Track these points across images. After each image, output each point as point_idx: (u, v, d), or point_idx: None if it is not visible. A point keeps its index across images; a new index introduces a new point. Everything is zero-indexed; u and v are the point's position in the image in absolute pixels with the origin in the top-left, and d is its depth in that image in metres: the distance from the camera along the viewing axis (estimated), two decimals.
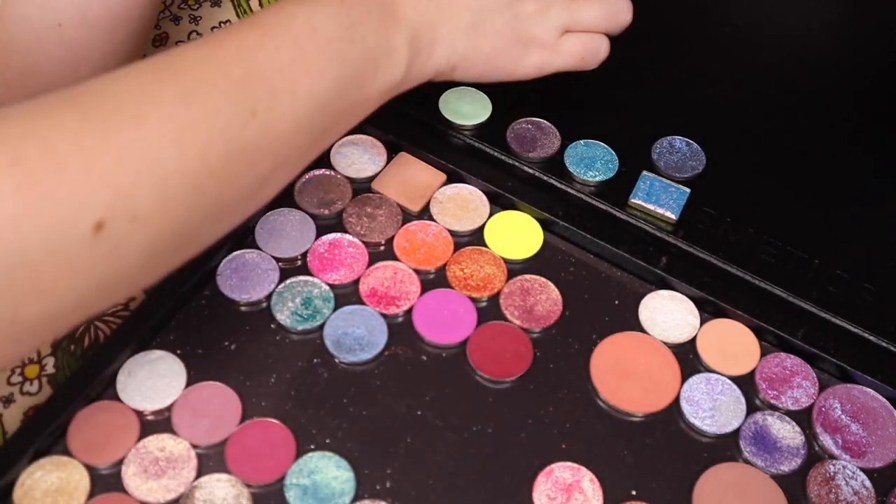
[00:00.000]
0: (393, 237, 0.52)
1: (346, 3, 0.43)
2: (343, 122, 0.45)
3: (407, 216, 0.53)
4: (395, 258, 0.51)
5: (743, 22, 0.65)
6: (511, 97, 0.58)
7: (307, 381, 0.47)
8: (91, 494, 0.43)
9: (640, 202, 0.54)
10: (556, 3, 0.51)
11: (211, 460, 0.44)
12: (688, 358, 0.49)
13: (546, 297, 0.51)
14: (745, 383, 0.49)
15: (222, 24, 0.66)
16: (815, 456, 0.47)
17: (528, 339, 0.49)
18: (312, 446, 0.45)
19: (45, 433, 0.43)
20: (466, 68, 0.50)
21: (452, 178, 0.55)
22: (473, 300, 0.50)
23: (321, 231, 0.52)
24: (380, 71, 0.45)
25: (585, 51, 0.52)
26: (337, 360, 0.48)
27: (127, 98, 0.35)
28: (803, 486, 0.46)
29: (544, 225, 0.53)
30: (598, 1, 0.52)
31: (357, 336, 0.48)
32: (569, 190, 0.55)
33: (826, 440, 0.47)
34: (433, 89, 0.58)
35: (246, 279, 0.50)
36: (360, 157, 0.55)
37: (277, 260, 0.51)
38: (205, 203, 0.36)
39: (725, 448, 0.47)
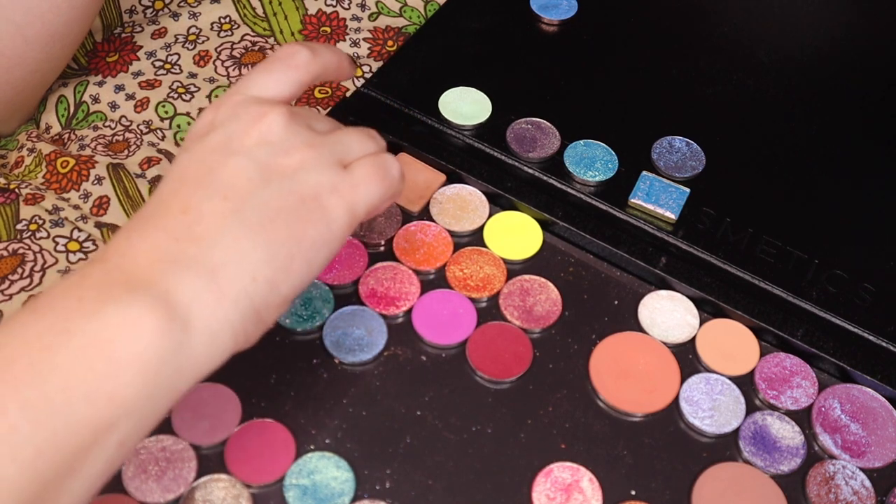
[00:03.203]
0: (392, 238, 0.52)
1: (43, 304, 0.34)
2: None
3: (406, 217, 0.53)
4: (394, 259, 0.51)
5: (743, 22, 0.65)
6: (511, 97, 0.58)
7: (307, 381, 0.47)
8: None
9: (639, 202, 0.54)
10: (313, 143, 0.40)
11: (211, 460, 0.44)
12: (687, 358, 0.49)
13: (545, 298, 0.51)
14: (745, 383, 0.49)
15: (221, 20, 0.66)
16: (814, 456, 0.47)
17: (527, 340, 0.49)
18: (312, 447, 0.45)
19: None
20: (286, 275, 0.38)
21: (452, 179, 0.55)
22: (473, 300, 0.50)
23: None
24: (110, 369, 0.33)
25: (380, 170, 0.42)
26: (337, 361, 0.48)
27: None
28: (803, 485, 0.46)
29: (544, 225, 0.53)
30: (350, 129, 0.43)
31: (357, 336, 0.48)
32: (568, 190, 0.55)
33: (825, 440, 0.47)
34: (433, 89, 0.58)
35: None
36: None
37: None
38: None
39: (725, 448, 0.47)
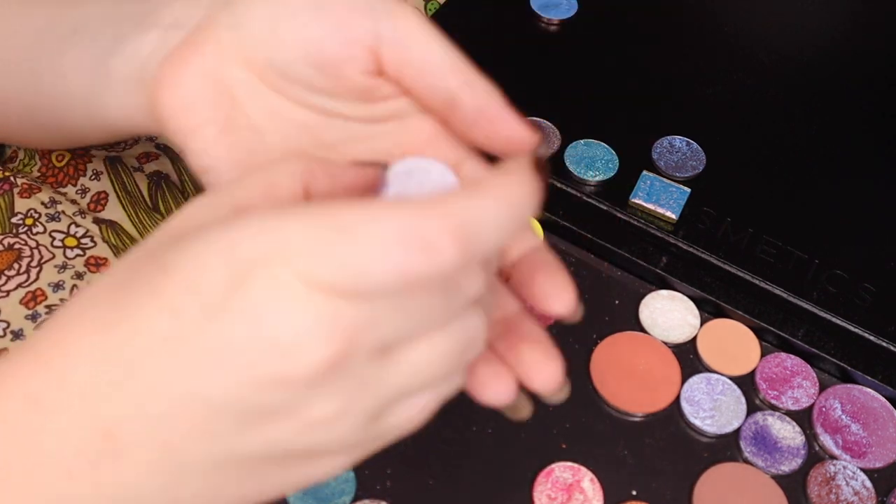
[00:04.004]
0: None
1: None
2: None
3: None
4: None
5: (743, 22, 0.65)
6: (511, 97, 0.58)
7: None
8: None
9: (640, 202, 0.54)
10: (365, 387, 0.28)
11: None
12: (688, 358, 0.49)
13: None
14: (746, 383, 0.48)
15: None
16: (815, 456, 0.47)
17: None
18: None
19: None
20: None
21: None
22: None
23: None
24: None
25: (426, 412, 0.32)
26: None
27: None
28: (803, 486, 0.45)
29: (544, 225, 0.53)
30: (439, 342, 0.28)
31: None
32: (569, 190, 0.54)
33: (826, 440, 0.47)
34: None
35: None
36: None
37: None
38: None
39: (726, 448, 0.47)
